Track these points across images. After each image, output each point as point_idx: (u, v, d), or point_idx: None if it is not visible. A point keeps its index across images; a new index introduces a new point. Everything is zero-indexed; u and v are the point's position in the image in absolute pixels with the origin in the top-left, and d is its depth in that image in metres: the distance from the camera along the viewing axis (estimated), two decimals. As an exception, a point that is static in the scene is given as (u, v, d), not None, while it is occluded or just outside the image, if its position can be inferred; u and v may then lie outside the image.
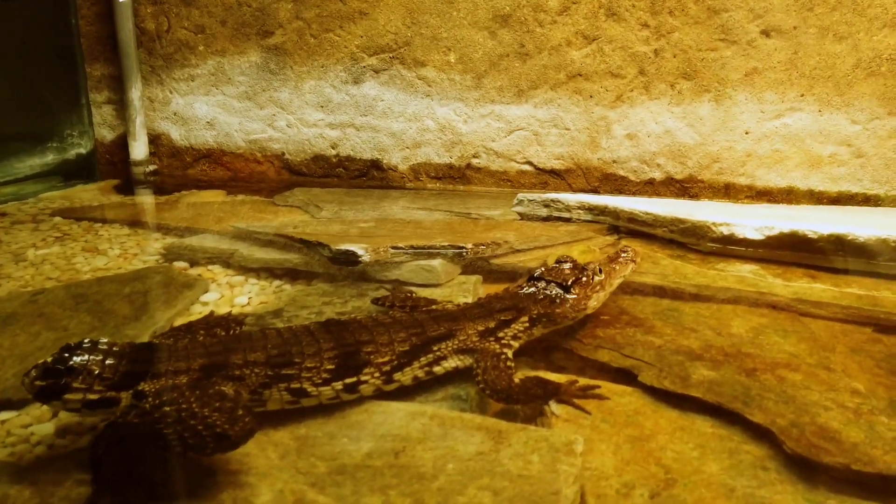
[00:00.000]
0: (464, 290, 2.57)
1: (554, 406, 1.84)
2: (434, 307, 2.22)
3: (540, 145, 4.02)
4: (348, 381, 1.81)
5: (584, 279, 2.22)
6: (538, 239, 3.03)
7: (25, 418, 1.84)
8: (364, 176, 4.41)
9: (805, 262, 2.72)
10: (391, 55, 4.13)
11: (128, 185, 4.64)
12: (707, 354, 2.05)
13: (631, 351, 2.09)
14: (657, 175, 3.87)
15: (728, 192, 3.78)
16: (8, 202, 4.13)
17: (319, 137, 4.41)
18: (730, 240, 2.80)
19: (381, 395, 1.86)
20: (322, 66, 4.27)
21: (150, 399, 1.60)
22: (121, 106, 4.72)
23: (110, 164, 4.94)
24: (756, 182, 3.72)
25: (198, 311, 2.52)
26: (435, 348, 1.94)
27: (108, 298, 2.55)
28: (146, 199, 4.35)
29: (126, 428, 1.49)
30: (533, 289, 2.19)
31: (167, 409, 1.54)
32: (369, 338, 1.85)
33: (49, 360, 1.61)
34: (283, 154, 4.54)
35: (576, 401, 1.86)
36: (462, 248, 2.77)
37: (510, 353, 1.99)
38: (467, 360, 1.98)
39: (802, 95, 3.55)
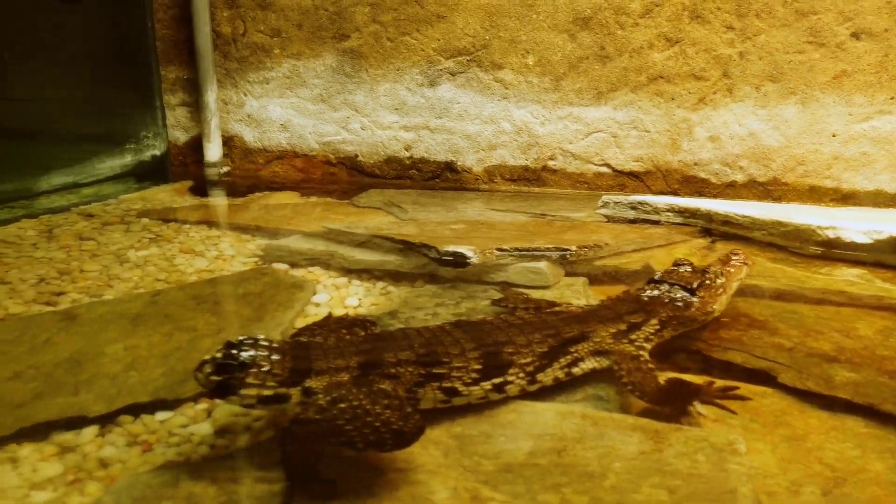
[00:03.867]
0: (574, 292, 2.58)
1: (699, 407, 1.85)
2: (557, 309, 2.24)
3: (618, 147, 4.03)
4: (496, 381, 1.83)
5: (708, 282, 2.23)
6: (634, 241, 3.03)
7: (182, 418, 1.88)
8: (437, 178, 4.44)
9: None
10: (468, 58, 4.16)
11: (202, 187, 4.71)
12: (842, 356, 2.05)
13: (762, 352, 2.09)
14: (739, 177, 3.85)
15: (812, 194, 3.75)
16: (90, 203, 4.21)
17: (393, 139, 4.45)
18: (835, 244, 2.79)
19: (524, 395, 1.89)
20: (398, 69, 4.32)
21: (320, 396, 1.64)
22: (195, 108, 4.80)
23: (182, 166, 5.03)
24: (842, 185, 3.69)
25: (313, 313, 2.56)
26: (572, 350, 1.96)
27: (225, 299, 2.60)
28: (224, 200, 4.41)
29: (310, 424, 1.52)
30: (657, 292, 2.20)
31: (342, 405, 1.57)
32: (506, 339, 1.87)
33: (218, 356, 1.63)
34: (356, 156, 4.58)
35: (719, 401, 1.87)
36: (566, 250, 2.79)
37: (647, 356, 2.00)
38: (604, 362, 2.00)
39: (892, 98, 3.51)
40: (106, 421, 1.84)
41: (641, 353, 2.00)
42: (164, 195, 4.53)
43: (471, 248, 2.72)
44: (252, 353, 1.65)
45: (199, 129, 4.83)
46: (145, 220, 3.82)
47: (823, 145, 3.67)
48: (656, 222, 3.42)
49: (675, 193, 3.98)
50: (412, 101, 4.33)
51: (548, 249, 2.79)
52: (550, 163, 4.17)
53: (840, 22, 3.50)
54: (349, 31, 4.36)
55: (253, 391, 1.61)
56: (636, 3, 3.79)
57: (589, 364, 1.98)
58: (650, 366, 1.94)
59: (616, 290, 2.67)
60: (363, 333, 2.06)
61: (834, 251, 2.81)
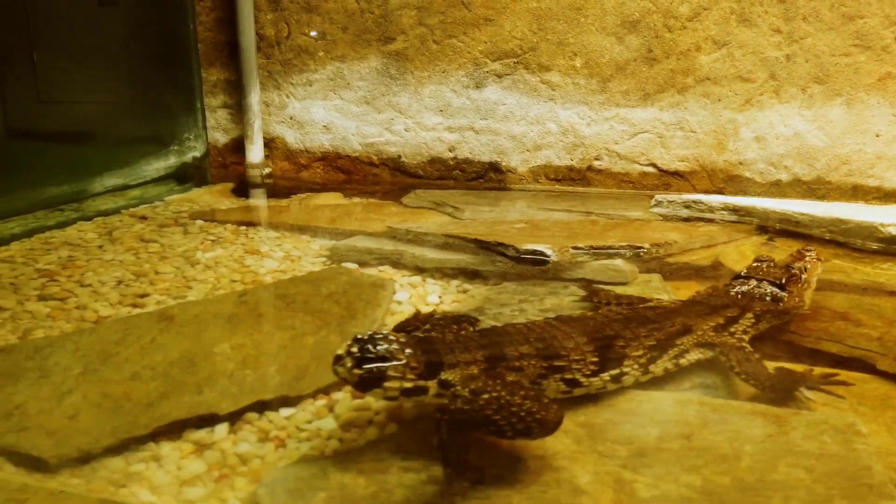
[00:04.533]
0: (652, 288, 2.66)
1: (807, 392, 1.93)
2: (650, 305, 2.31)
3: (664, 147, 4.11)
4: (613, 372, 1.90)
5: (794, 277, 2.30)
6: (700, 238, 3.11)
7: (305, 414, 1.92)
8: (481, 178, 4.51)
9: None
10: (515, 60, 4.23)
11: (243, 188, 4.75)
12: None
13: (854, 342, 2.17)
14: (784, 177, 3.95)
15: (856, 193, 3.85)
16: (138, 205, 4.24)
17: (437, 141, 4.52)
18: (897, 240, 2.88)
19: (636, 385, 1.96)
20: (443, 72, 4.38)
21: (457, 387, 1.69)
22: (236, 110, 4.85)
23: (221, 167, 5.07)
24: (884, 184, 3.79)
25: (397, 310, 2.62)
26: (678, 342, 2.03)
27: (312, 298, 2.65)
28: (271, 202, 4.46)
29: (463, 414, 1.58)
30: (746, 287, 2.27)
31: (486, 396, 1.62)
32: (614, 333, 1.94)
33: (355, 350, 1.67)
34: (399, 157, 4.64)
35: (825, 387, 1.95)
36: (640, 247, 2.87)
37: (749, 347, 2.08)
38: (707, 353, 2.07)
39: (936, 99, 3.62)
40: (234, 418, 1.89)
41: (744, 344, 2.08)
42: (208, 197, 4.58)
43: (549, 247, 2.79)
44: (387, 346, 1.70)
45: (240, 130, 4.87)
46: (200, 223, 3.86)
47: (867, 145, 3.77)
48: (710, 220, 3.51)
49: (719, 192, 4.07)
50: (457, 102, 4.40)
51: (622, 247, 2.86)
52: (596, 163, 4.25)
53: (886, 26, 3.61)
54: (395, 33, 4.42)
55: (396, 384, 1.66)
56: (685, 7, 3.88)
57: (694, 356, 2.06)
58: (756, 356, 2.01)
59: (689, 285, 2.77)
60: (470, 329, 2.13)
61: (894, 247, 2.90)
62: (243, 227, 3.77)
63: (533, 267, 2.82)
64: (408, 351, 1.71)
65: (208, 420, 1.87)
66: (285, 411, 1.95)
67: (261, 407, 1.95)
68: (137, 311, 2.61)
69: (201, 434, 1.84)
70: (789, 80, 3.82)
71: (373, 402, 1.97)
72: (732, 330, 2.13)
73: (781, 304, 2.23)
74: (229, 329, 2.39)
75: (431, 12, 4.30)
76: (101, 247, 3.41)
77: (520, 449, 1.69)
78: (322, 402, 2.00)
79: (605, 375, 1.90)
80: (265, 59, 4.73)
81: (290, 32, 4.63)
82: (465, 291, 2.83)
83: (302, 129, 4.80)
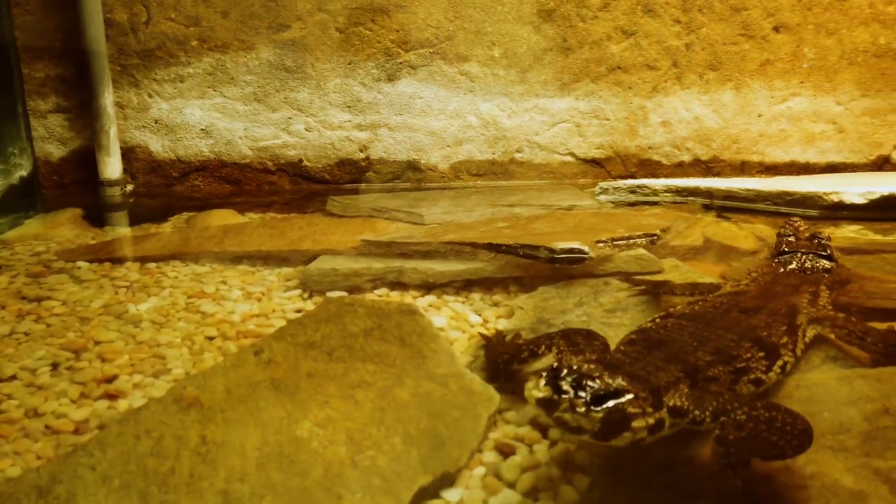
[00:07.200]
0: (684, 273, 2.64)
1: None
2: (731, 291, 2.28)
3: (581, 136, 4.17)
4: (779, 363, 1.83)
5: (829, 247, 2.46)
6: (676, 221, 3.20)
7: (477, 493, 1.52)
8: (398, 178, 4.16)
9: (891, 218, 3.26)
10: (431, 50, 3.96)
11: (99, 213, 3.80)
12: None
13: (901, 294, 2.38)
14: (686, 158, 4.26)
15: (743, 168, 4.30)
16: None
17: (346, 140, 4.06)
18: (839, 206, 3.24)
19: (791, 372, 1.91)
20: (350, 63, 3.94)
21: (693, 412, 1.48)
22: (78, 114, 3.85)
23: (58, 188, 4.01)
24: (765, 159, 4.29)
25: (454, 337, 2.27)
26: (797, 323, 2.03)
27: (351, 342, 2.12)
28: (149, 227, 3.57)
29: (745, 443, 1.38)
30: (800, 263, 2.37)
31: (739, 416, 1.44)
32: (752, 325, 1.88)
33: (575, 389, 1.36)
34: (301, 161, 4.09)
35: None
36: (653, 235, 2.85)
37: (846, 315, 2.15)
38: (817, 328, 2.10)
39: (802, 82, 4.18)
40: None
41: (841, 314, 2.15)
42: (62, 229, 3.57)
43: (582, 244, 2.63)
44: (604, 378, 1.41)
45: (85, 139, 3.89)
46: (84, 265, 2.98)
47: (752, 125, 4.22)
48: (655, 203, 3.63)
49: (632, 176, 4.25)
50: (368, 97, 3.99)
51: (638, 236, 2.82)
52: (517, 155, 4.17)
53: (765, 17, 4.06)
54: (289, 20, 3.86)
55: (642, 422, 1.38)
56: (596, -3, 3.97)
57: (811, 332, 2.07)
58: (862, 323, 2.09)
59: (704, 266, 2.82)
60: (597, 343, 1.89)
61: (839, 213, 3.26)
62: (151, 265, 3.00)
63: (570, 266, 2.64)
64: (622, 379, 1.44)
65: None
66: (451, 494, 1.52)
67: (421, 496, 1.50)
68: (120, 403, 1.89)
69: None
70: (689, 67, 4.11)
71: (541, 454, 1.64)
72: (821, 304, 2.19)
73: (841, 274, 2.35)
74: (289, 401, 1.81)
75: (332, -3, 3.84)
76: (-31, 316, 2.43)
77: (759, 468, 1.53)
78: (479, 470, 1.60)
79: (776, 368, 1.82)
80: (117, 51, 3.83)
81: (151, 17, 3.80)
82: (498, 304, 2.54)
83: (172, 134, 3.98)
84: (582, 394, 1.33)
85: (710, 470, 1.50)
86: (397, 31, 3.91)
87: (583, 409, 1.31)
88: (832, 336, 2.07)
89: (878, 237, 3.04)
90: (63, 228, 3.58)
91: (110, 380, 2.00)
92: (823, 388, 1.84)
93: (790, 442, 1.39)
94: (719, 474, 1.42)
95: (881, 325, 2.15)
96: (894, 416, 1.65)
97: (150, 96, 3.92)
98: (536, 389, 1.35)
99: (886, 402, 1.72)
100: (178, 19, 3.81)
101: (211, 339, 2.29)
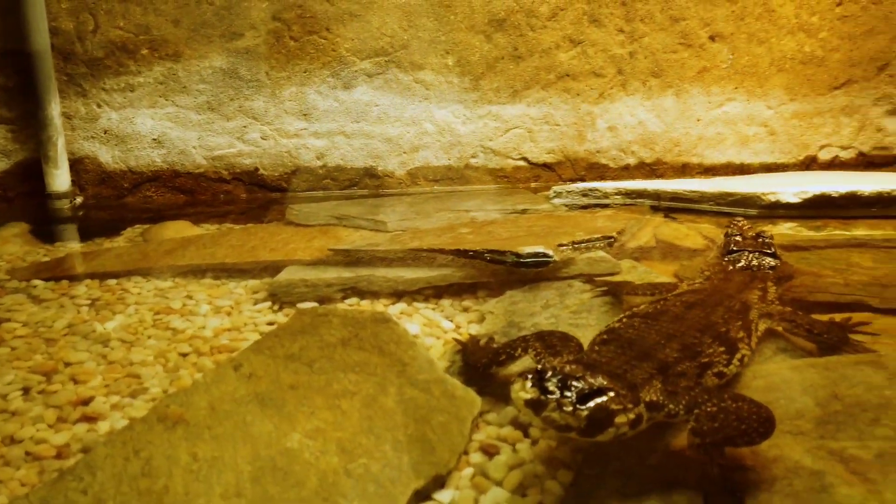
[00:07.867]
0: (642, 274, 2.79)
1: (857, 337, 2.25)
2: (688, 289, 2.44)
3: (533, 141, 4.31)
4: (737, 356, 1.98)
5: (773, 244, 2.65)
6: (628, 223, 3.36)
7: (468, 493, 1.60)
8: (356, 185, 4.20)
9: (826, 216, 3.51)
10: (386, 58, 4.01)
11: (47, 227, 3.68)
12: (885, 280, 2.64)
13: (838, 290, 2.58)
14: (632, 161, 4.45)
15: (684, 170, 4.53)
16: None
17: (302, 148, 4.07)
18: (776, 205, 3.47)
19: (747, 365, 2.07)
20: (305, 72, 3.95)
21: (667, 406, 1.61)
22: (22, 125, 3.73)
23: (4, 201, 3.87)
24: (704, 160, 4.53)
25: (429, 344, 2.34)
26: (750, 318, 2.20)
27: (330, 352, 2.17)
28: (102, 242, 3.50)
29: (716, 434, 1.50)
30: (747, 261, 2.55)
31: (710, 408, 1.57)
32: (711, 321, 2.04)
33: (560, 388, 1.46)
34: (257, 169, 4.07)
35: (860, 329, 2.29)
36: (610, 237, 2.98)
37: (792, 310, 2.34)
38: (768, 322, 2.28)
39: (736, 88, 4.43)
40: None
41: (788, 308, 2.33)
42: (12, 245, 3.45)
43: (546, 248, 2.74)
44: (585, 376, 1.52)
45: (33, 151, 3.77)
46: (40, 283, 2.90)
47: (692, 128, 4.45)
48: (606, 206, 3.80)
49: (581, 180, 4.42)
50: (324, 105, 4.01)
51: (597, 239, 2.95)
52: (472, 160, 4.27)
53: (701, 27, 4.29)
54: (243, 28, 3.84)
55: (624, 418, 1.50)
56: (544, 7, 4.10)
57: (762, 326, 2.24)
58: (807, 316, 2.28)
59: (657, 266, 2.98)
60: (572, 344, 2.00)
61: (776, 211, 3.49)
62: (111, 281, 2.94)
63: (534, 270, 2.75)
64: (603, 378, 1.55)
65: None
66: (443, 496, 1.59)
67: (416, 500, 1.57)
68: (100, 424, 1.88)
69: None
70: (633, 74, 4.31)
71: (524, 452, 1.73)
72: (770, 299, 2.37)
73: (786, 271, 2.54)
74: (276, 415, 1.84)
75: (286, 5, 3.83)
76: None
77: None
78: (468, 470, 1.68)
79: (735, 361, 1.96)
80: (62, 61, 3.72)
81: (98, 25, 3.71)
82: (468, 309, 2.63)
83: (123, 144, 3.90)
84: (568, 394, 1.42)
85: (686, 459, 1.63)
86: (352, 40, 3.95)
87: (570, 408, 1.40)
88: (780, 329, 2.25)
89: (812, 233, 3.28)
90: (11, 245, 3.46)
91: (86, 402, 1.98)
92: (778, 378, 2.00)
93: (757, 429, 1.53)
94: (696, 462, 1.54)
95: (823, 317, 2.34)
96: (843, 400, 1.81)
97: (99, 106, 3.82)
98: (524, 391, 1.44)
99: (835, 388, 1.88)
100: (127, 28, 3.73)
101: (184, 355, 2.28)
